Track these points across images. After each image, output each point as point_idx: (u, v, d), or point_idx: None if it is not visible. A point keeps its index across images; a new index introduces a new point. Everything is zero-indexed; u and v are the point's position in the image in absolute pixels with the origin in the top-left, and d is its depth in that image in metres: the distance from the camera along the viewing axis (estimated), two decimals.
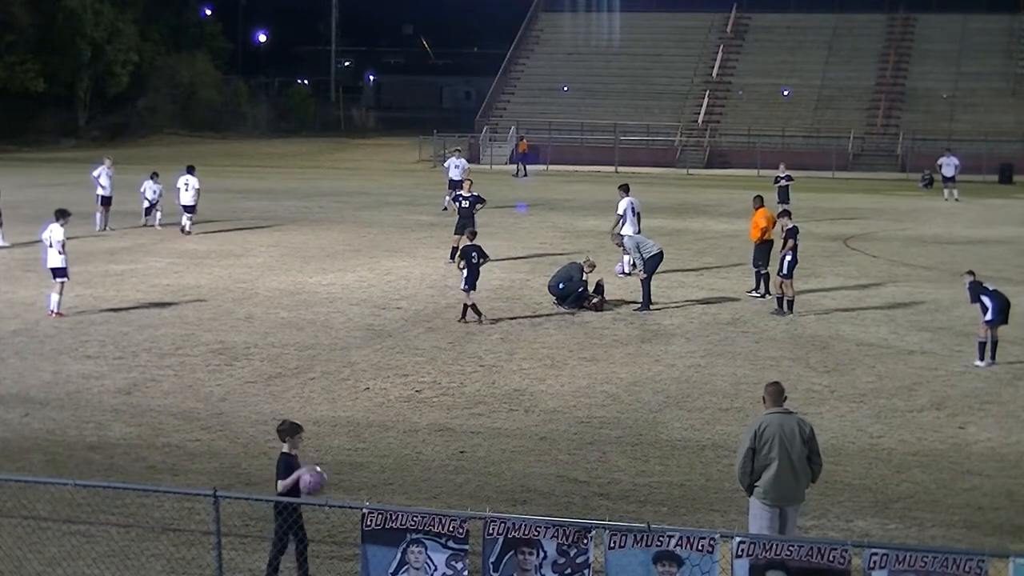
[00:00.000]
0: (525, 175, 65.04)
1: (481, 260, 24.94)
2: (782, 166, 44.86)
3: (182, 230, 37.67)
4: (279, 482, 11.81)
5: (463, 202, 32.81)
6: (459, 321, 24.70)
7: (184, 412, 18.36)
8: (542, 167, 68.82)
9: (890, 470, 16.01)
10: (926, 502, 14.85)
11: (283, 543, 11.63)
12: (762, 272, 27.97)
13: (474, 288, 24.80)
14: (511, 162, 69.85)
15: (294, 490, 11.75)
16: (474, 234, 26.07)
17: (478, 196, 32.97)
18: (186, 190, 38.09)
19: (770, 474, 11.92)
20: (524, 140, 69.17)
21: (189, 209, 38.16)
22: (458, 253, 25.86)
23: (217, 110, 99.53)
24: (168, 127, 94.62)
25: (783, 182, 43.14)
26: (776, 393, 12.17)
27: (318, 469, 11.95)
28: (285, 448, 12.00)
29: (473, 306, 24.81)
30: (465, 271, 24.71)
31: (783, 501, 12.00)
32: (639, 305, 26.27)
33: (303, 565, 11.73)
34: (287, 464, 11.86)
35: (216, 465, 15.94)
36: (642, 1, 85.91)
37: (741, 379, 20.51)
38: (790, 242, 25.90)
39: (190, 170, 38.88)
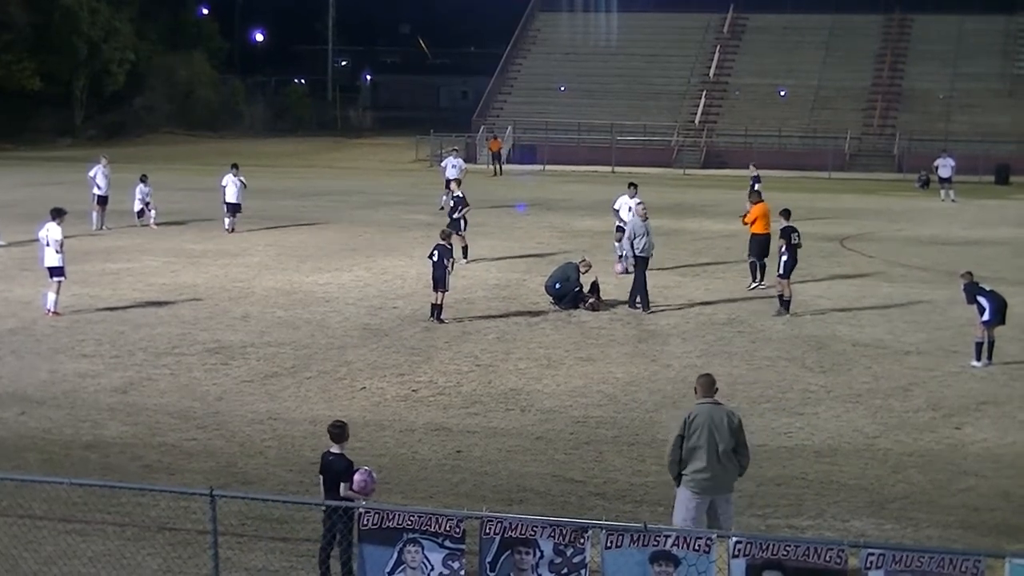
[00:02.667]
0: (501, 174, 65.28)
1: (443, 259, 24.66)
2: (752, 166, 46.00)
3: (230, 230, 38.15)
4: (343, 485, 11.82)
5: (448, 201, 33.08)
6: (429, 319, 24.73)
7: (180, 411, 18.36)
8: (539, 167, 68.89)
9: (886, 470, 16.02)
10: (922, 502, 14.86)
11: (331, 539, 11.63)
12: (755, 264, 28.97)
13: (440, 287, 24.69)
14: (508, 161, 69.96)
15: (333, 490, 11.86)
16: (447, 234, 25.98)
17: (460, 198, 33.02)
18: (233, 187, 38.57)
19: (698, 463, 12.14)
20: (497, 139, 69.38)
21: (234, 208, 38.52)
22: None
23: (214, 109, 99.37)
24: (165, 126, 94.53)
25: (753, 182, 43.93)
26: (707, 384, 12.47)
27: (366, 468, 12.04)
28: (335, 449, 12.07)
29: (435, 305, 24.79)
30: (432, 269, 24.73)
31: (711, 491, 12.20)
32: (641, 306, 26.25)
33: (348, 564, 11.64)
34: (348, 467, 11.92)
35: (212, 464, 15.94)
36: (639, 1, 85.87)
37: (737, 379, 20.50)
38: (783, 241, 26.04)
39: (233, 168, 39.26)
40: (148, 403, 18.79)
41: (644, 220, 26.75)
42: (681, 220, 42.88)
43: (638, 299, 26.29)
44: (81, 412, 18.28)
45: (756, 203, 29.72)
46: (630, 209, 31.44)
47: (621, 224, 31.62)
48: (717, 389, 12.54)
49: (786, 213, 27.09)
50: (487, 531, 10.16)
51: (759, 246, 28.74)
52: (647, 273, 26.45)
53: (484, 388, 19.89)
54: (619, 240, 31.67)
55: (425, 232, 38.09)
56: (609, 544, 9.94)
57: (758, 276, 28.80)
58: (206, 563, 11.41)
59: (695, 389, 12.57)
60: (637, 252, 26.37)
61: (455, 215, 32.83)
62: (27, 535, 12.74)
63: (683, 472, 12.21)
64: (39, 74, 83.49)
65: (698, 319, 25.56)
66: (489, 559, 10.15)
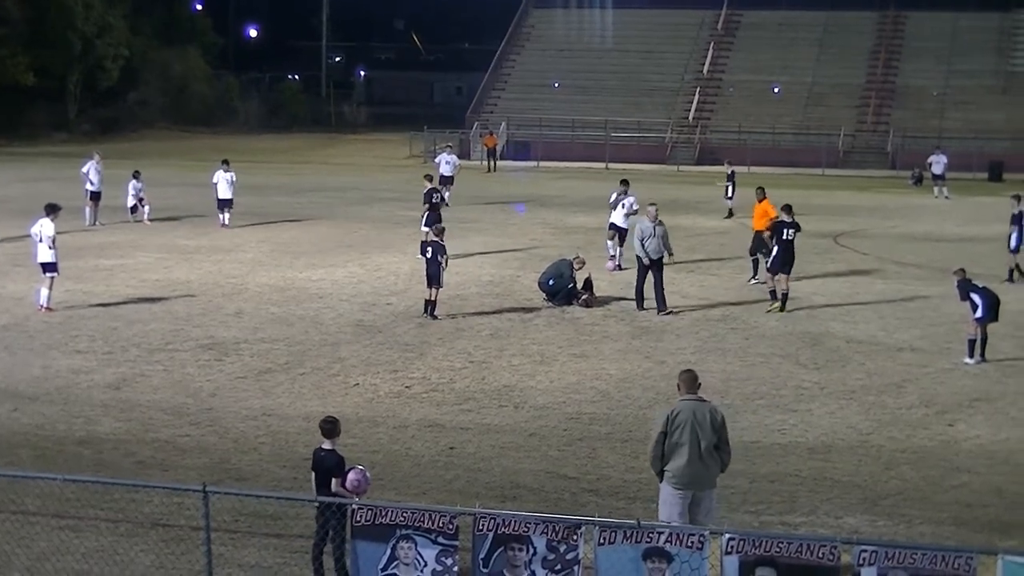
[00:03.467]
0: (495, 170, 65.41)
1: (437, 256, 24.58)
2: (727, 162, 45.96)
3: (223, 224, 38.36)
4: (335, 481, 11.84)
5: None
6: (422, 316, 24.73)
7: (174, 407, 18.34)
8: (533, 163, 68.92)
9: (879, 467, 16.04)
10: (915, 499, 14.87)
11: (324, 535, 11.64)
12: (759, 260, 28.90)
13: (433, 284, 24.65)
14: (502, 158, 70.03)
15: (325, 486, 11.89)
16: (441, 230, 26.02)
17: (426, 193, 32.96)
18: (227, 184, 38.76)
19: (680, 459, 12.10)
20: (492, 135, 69.50)
21: (226, 203, 38.74)
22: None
23: (208, 105, 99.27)
24: (159, 122, 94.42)
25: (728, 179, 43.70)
26: (690, 380, 12.41)
27: (361, 467, 12.05)
28: (327, 445, 12.08)
29: (428, 301, 24.78)
30: (425, 266, 24.77)
31: (693, 486, 12.17)
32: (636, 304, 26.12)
33: (341, 560, 11.66)
34: (339, 463, 11.95)
35: (206, 460, 15.93)
36: None
37: (731, 375, 20.52)
38: (772, 234, 26.04)
39: (224, 164, 39.51)
40: (141, 399, 18.77)
41: (654, 221, 26.21)
42: (675, 217, 42.76)
43: (664, 301, 25.79)
44: (74, 408, 18.25)
45: (760, 200, 29.59)
46: (622, 207, 31.44)
47: (614, 223, 31.62)
48: (700, 384, 12.51)
49: (786, 208, 26.70)
50: (480, 527, 10.16)
51: (761, 242, 28.51)
52: (646, 273, 25.95)
53: (477, 384, 19.88)
54: (611, 238, 31.68)
55: (419, 228, 38.08)
56: (602, 541, 9.94)
57: (758, 271, 28.74)
58: (199, 559, 11.40)
59: (678, 386, 12.53)
60: (650, 254, 26.03)
61: (423, 210, 32.96)
62: (20, 531, 12.74)
63: (665, 468, 12.19)
64: (33, 69, 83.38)
65: (692, 315, 25.56)
66: (482, 555, 10.15)
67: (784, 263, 25.88)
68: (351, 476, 11.85)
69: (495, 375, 20.48)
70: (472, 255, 32.76)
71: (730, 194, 43.05)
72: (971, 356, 21.50)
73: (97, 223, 38.44)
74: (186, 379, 19.98)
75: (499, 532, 10.13)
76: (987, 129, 68.34)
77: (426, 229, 31.40)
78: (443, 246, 25.00)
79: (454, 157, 47.96)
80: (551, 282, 26.59)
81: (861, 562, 9.48)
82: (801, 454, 16.51)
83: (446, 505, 12.09)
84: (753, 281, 28.85)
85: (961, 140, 65.77)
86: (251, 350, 21.96)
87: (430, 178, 34.42)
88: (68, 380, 19.84)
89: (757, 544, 9.71)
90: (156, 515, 13.60)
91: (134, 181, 39.68)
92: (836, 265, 32.60)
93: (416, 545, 10.24)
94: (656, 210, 26.44)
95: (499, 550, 10.12)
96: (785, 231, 25.86)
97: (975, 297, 21.34)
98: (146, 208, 39.43)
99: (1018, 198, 30.31)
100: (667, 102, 77.13)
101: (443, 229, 26.34)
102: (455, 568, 10.24)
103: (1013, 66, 75.21)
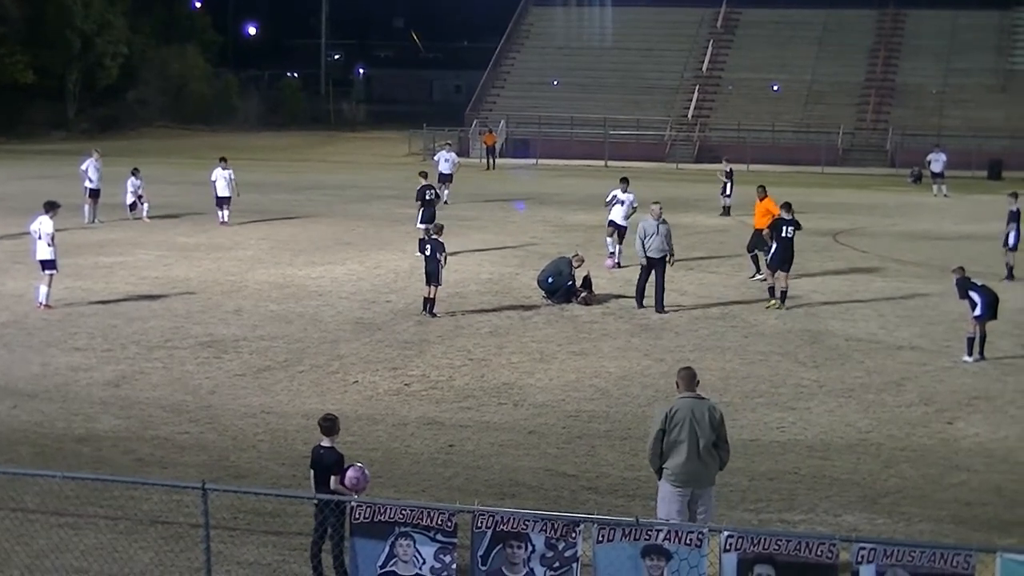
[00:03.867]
0: (494, 168, 65.45)
1: (436, 253, 24.52)
2: (724, 160, 45.58)
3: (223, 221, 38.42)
4: (334, 479, 11.85)
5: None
6: (422, 313, 24.73)
7: (173, 405, 18.34)
8: (532, 161, 68.92)
9: (878, 465, 16.04)
10: (914, 497, 14.88)
11: (323, 532, 11.65)
12: (758, 256, 28.92)
13: (432, 281, 24.62)
14: (501, 155, 70.05)
15: (324, 483, 11.90)
16: (440, 228, 26.05)
17: (420, 190, 33.04)
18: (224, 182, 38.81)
19: (679, 457, 12.09)
20: (492, 133, 69.57)
21: (225, 201, 38.78)
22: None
23: (207, 103, 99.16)
24: (158, 120, 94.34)
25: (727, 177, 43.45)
26: (688, 378, 12.38)
27: (360, 465, 12.06)
28: (326, 442, 12.09)
29: (427, 299, 24.76)
30: (424, 264, 24.82)
31: (692, 484, 12.16)
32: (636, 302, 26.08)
33: (340, 558, 11.67)
34: (338, 460, 11.96)
35: (205, 458, 15.93)
36: None
37: (730, 373, 20.52)
38: (771, 232, 26.05)
39: (222, 161, 39.52)
40: (140, 396, 18.77)
41: (658, 219, 26.05)
42: (674, 214, 42.74)
43: (658, 302, 25.69)
44: (73, 406, 18.25)
45: (762, 199, 29.57)
46: (620, 205, 31.43)
47: (613, 220, 31.62)
48: (699, 382, 12.49)
49: (786, 206, 26.63)
50: (479, 525, 10.16)
51: (759, 239, 28.52)
52: (650, 273, 25.82)
53: (477, 382, 19.89)
54: (610, 235, 31.67)
55: (416, 226, 38.05)
56: (601, 538, 9.94)
57: (760, 268, 28.66)
58: (198, 557, 11.40)
59: (676, 383, 12.51)
60: (648, 252, 25.75)
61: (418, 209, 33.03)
62: (19, 528, 12.73)
63: (664, 466, 12.18)
64: (32, 67, 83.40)
65: (691, 313, 25.55)
66: (481, 553, 10.15)
67: (783, 260, 25.87)
68: (350, 473, 11.85)
69: (494, 373, 20.49)
70: (471, 253, 32.77)
71: (728, 192, 43.00)
72: (970, 354, 21.50)
73: (96, 220, 38.43)
74: (185, 376, 19.98)
75: (498, 530, 10.13)
76: (986, 127, 68.35)
77: (422, 226, 31.49)
78: (442, 244, 24.99)
79: (453, 155, 47.94)
80: (550, 280, 26.58)
81: (860, 560, 9.48)
82: (800, 452, 16.52)
83: (445, 503, 12.11)
84: (759, 277, 28.69)
85: (960, 138, 65.80)
86: (250, 348, 21.96)
87: (424, 175, 34.42)
88: (67, 377, 19.84)
89: (756, 542, 9.72)
90: (155, 512, 13.61)
91: (133, 178, 39.70)
92: (835, 263, 32.59)
93: (415, 543, 10.24)
94: (660, 208, 26.37)
95: (498, 547, 10.13)
96: (784, 228, 25.83)
97: (974, 295, 21.34)
98: (145, 205, 39.43)
99: (1015, 196, 30.36)
100: (666, 100, 77.13)
101: (442, 227, 26.37)
102: (453, 566, 10.24)
103: (1012, 64, 75.26)
